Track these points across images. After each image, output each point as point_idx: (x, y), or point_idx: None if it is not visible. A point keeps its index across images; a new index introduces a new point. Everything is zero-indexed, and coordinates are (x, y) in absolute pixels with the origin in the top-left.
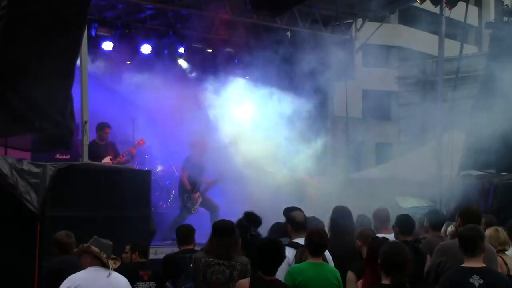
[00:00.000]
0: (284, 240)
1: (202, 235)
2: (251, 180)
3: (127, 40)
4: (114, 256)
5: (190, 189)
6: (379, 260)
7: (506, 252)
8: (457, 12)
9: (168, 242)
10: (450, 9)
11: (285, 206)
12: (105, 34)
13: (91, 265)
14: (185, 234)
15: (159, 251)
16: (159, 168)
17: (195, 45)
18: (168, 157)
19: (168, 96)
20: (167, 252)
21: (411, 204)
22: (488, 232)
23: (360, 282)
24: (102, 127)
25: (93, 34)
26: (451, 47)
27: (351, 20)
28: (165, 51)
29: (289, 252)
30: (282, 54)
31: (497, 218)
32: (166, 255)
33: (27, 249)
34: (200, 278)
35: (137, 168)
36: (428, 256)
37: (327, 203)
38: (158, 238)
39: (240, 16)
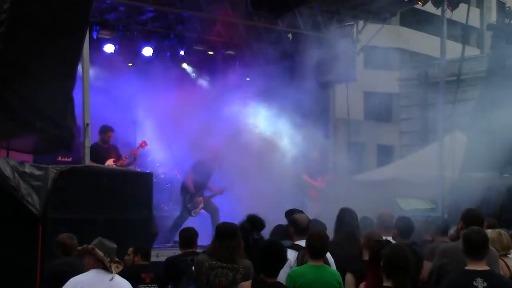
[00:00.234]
0: (286, 242)
1: (203, 238)
2: (253, 181)
3: (129, 43)
4: (117, 259)
5: (193, 192)
6: (381, 262)
7: (508, 255)
8: (459, 14)
9: (170, 244)
10: (451, 11)
11: (287, 208)
12: (107, 36)
13: (93, 268)
14: (187, 237)
15: (161, 253)
16: (161, 170)
17: (196, 47)
18: (169, 159)
19: (170, 98)
20: (169, 254)
21: (412, 206)
22: (491, 235)
23: (363, 285)
24: (105, 130)
25: (95, 36)
26: (453, 49)
27: (353, 22)
28: (167, 53)
29: (291, 255)
30: (283, 56)
31: (498, 221)
32: (168, 257)
33: (29, 251)
34: (203, 281)
35: (139, 170)
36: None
37: (329, 205)
38: (159, 240)
39: (241, 18)
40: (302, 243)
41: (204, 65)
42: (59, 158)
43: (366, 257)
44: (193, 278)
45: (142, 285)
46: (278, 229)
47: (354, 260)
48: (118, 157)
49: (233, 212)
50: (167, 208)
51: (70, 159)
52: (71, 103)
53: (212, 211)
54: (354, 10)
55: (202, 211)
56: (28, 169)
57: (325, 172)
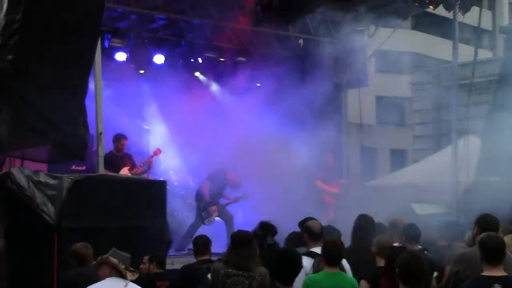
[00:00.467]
0: (301, 249)
1: (218, 245)
2: (267, 187)
3: (140, 51)
4: (132, 268)
5: (208, 201)
6: (396, 269)
7: None
8: (471, 17)
9: (185, 252)
10: (463, 14)
11: (301, 214)
12: (118, 45)
13: (109, 276)
14: (201, 244)
15: (175, 261)
16: (174, 178)
17: (207, 54)
18: (183, 166)
19: (182, 105)
20: (184, 262)
21: (427, 210)
22: (506, 240)
23: None
24: (118, 139)
25: (106, 45)
26: (465, 52)
27: (364, 27)
28: (178, 61)
29: (306, 262)
30: (294, 62)
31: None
32: (184, 265)
33: (44, 261)
34: None
35: (153, 178)
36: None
37: (344, 211)
38: (174, 248)
39: (251, 24)
40: (317, 249)
41: (215, 72)
42: (73, 167)
43: (380, 263)
44: (208, 286)
45: None
46: (293, 236)
47: (370, 267)
48: (132, 166)
49: (247, 219)
50: (180, 216)
51: (84, 167)
52: (83, 112)
53: (227, 218)
54: (365, 14)
55: (217, 218)
56: (42, 178)
57: (339, 177)
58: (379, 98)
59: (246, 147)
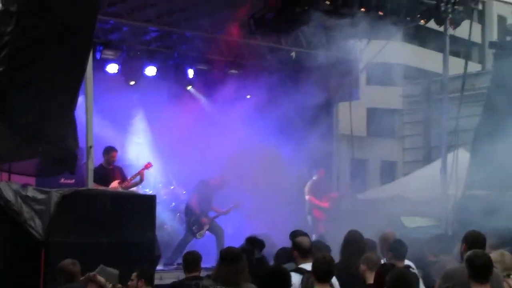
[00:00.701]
0: (290, 265)
1: (208, 260)
2: (258, 201)
3: (132, 63)
4: (120, 285)
5: (198, 213)
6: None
7: (511, 276)
8: (461, 30)
9: (174, 266)
10: (454, 29)
11: (291, 228)
12: (110, 56)
13: None
14: (191, 261)
15: (164, 276)
16: (164, 191)
17: (200, 67)
18: (173, 179)
19: (173, 117)
20: (173, 277)
21: (416, 223)
22: (493, 256)
23: None
24: (108, 151)
25: (98, 57)
26: (455, 64)
27: (356, 41)
28: (170, 73)
29: (296, 279)
30: (286, 74)
31: (501, 239)
32: (173, 282)
33: (31, 276)
34: None
35: (142, 193)
36: None
37: (334, 225)
38: (163, 262)
39: (244, 37)
40: (306, 266)
41: (207, 84)
42: (62, 180)
43: (369, 280)
44: None
45: None
46: (282, 252)
47: (359, 284)
48: (123, 179)
49: (237, 232)
50: (170, 229)
51: (73, 181)
52: (73, 125)
53: (217, 232)
54: (357, 28)
55: (207, 233)
56: (30, 193)
57: (329, 189)
58: (370, 110)
59: (237, 159)
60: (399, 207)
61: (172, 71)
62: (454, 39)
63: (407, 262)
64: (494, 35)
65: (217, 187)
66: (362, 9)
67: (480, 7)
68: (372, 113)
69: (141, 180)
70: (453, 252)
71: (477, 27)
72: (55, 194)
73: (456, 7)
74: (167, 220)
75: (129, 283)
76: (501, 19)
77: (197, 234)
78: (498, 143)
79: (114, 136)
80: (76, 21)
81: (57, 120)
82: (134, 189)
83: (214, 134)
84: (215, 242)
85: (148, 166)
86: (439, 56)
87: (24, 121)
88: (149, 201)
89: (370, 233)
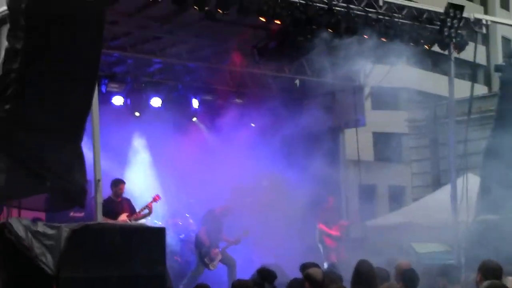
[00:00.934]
0: None
1: None
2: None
3: (137, 94)
4: None
5: (208, 245)
6: None
7: None
8: (466, 52)
9: None
10: (458, 53)
11: (302, 257)
12: (115, 89)
13: None
14: None
15: None
16: (172, 222)
17: (204, 97)
18: (181, 210)
19: (179, 148)
20: None
21: (428, 249)
22: (510, 285)
23: None
24: (116, 184)
25: (103, 90)
26: (460, 87)
27: (360, 67)
28: (175, 104)
29: None
30: (291, 102)
31: None
32: None
33: None
34: None
35: (151, 225)
36: None
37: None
38: None
39: (247, 66)
40: None
41: (212, 114)
42: (72, 214)
43: None
44: None
45: None
46: (295, 283)
47: None
48: (131, 211)
49: (246, 261)
50: (181, 259)
51: (82, 214)
52: (81, 158)
53: (229, 263)
54: (361, 54)
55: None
56: (41, 228)
57: (339, 218)
58: (376, 135)
59: (245, 188)
60: (410, 233)
61: (176, 102)
62: (459, 62)
63: None
64: (499, 57)
65: (222, 215)
66: (365, 36)
67: (484, 30)
68: (379, 138)
69: (150, 213)
70: (463, 281)
71: (481, 48)
72: (65, 229)
73: (459, 31)
74: (177, 250)
75: None
76: (506, 41)
77: (210, 266)
78: (508, 166)
79: (120, 168)
80: (81, 55)
81: (64, 154)
82: (143, 221)
83: (219, 163)
84: (226, 272)
85: (156, 198)
86: (444, 79)
87: (31, 156)
88: (159, 233)
89: (381, 261)
